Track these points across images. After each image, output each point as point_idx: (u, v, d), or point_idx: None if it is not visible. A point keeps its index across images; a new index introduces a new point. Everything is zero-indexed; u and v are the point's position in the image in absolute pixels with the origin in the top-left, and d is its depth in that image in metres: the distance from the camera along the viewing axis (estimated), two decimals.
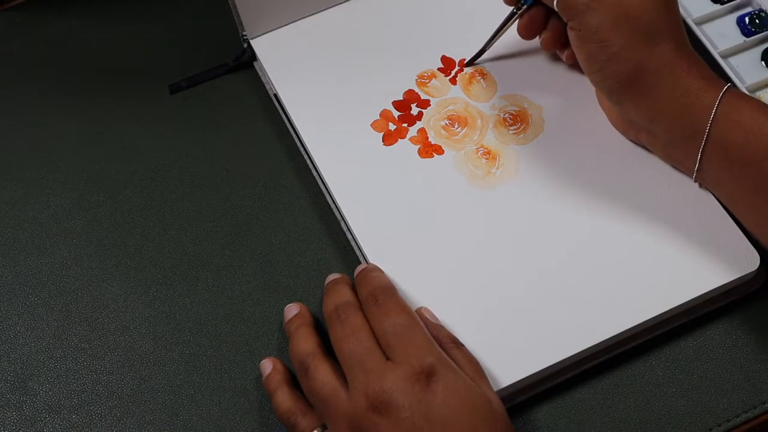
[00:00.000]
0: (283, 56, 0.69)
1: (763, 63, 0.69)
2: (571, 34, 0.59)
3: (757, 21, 0.71)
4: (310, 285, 0.62)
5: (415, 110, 0.66)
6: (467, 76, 0.68)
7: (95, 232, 0.65)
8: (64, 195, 0.66)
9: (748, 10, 0.72)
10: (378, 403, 0.51)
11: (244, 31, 0.69)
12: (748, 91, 0.68)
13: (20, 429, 0.58)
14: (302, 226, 0.64)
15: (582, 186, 0.63)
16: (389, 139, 0.65)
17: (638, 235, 0.61)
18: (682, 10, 0.71)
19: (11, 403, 0.59)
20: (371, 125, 0.66)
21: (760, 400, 0.58)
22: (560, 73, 0.67)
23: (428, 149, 0.65)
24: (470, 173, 0.64)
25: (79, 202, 0.66)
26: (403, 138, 0.65)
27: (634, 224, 0.61)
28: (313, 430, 0.55)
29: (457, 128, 0.66)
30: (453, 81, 0.67)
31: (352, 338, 0.54)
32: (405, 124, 0.66)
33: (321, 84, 0.67)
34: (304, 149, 0.66)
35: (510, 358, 0.57)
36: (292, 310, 0.60)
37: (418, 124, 0.66)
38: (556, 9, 0.59)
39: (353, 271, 0.60)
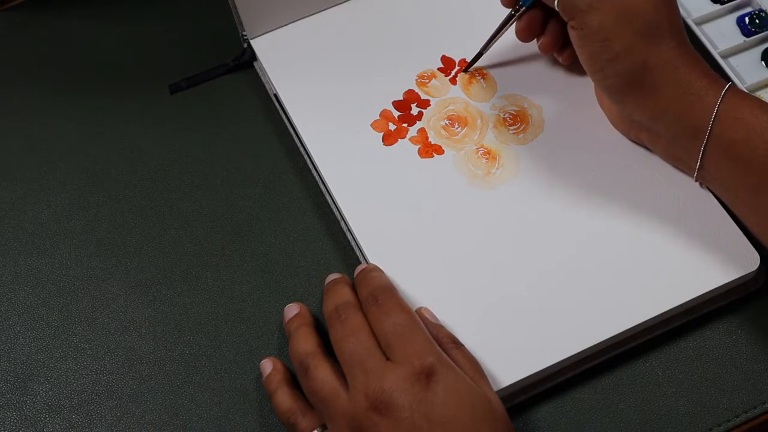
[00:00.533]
0: (283, 56, 0.69)
1: (763, 63, 0.69)
2: (572, 34, 0.59)
3: (757, 21, 0.71)
4: (310, 285, 0.62)
5: (415, 110, 0.66)
6: (467, 76, 0.68)
7: (95, 232, 0.65)
8: (64, 195, 0.66)
9: (748, 10, 0.72)
10: (378, 403, 0.51)
11: (244, 31, 0.69)
12: (748, 91, 0.68)
13: (20, 429, 0.58)
14: (302, 226, 0.64)
15: (582, 186, 0.63)
16: (389, 139, 0.65)
17: (638, 235, 0.61)
18: (682, 10, 0.71)
19: (11, 403, 0.59)
20: (371, 125, 0.66)
21: (760, 400, 0.58)
22: (560, 73, 0.67)
23: (428, 149, 0.65)
24: (470, 173, 0.64)
25: (79, 202, 0.66)
26: (403, 138, 0.65)
27: (634, 224, 0.61)
28: (313, 430, 0.55)
29: (457, 128, 0.66)
30: (453, 81, 0.67)
31: (352, 338, 0.54)
32: (405, 124, 0.66)
33: (321, 84, 0.67)
34: (304, 149, 0.66)
35: (510, 358, 0.57)
36: (292, 310, 0.60)
37: (418, 124, 0.66)
38: (556, 8, 0.59)
39: (353, 271, 0.60)
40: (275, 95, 0.68)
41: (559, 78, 0.67)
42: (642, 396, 0.59)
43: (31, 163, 0.67)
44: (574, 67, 0.67)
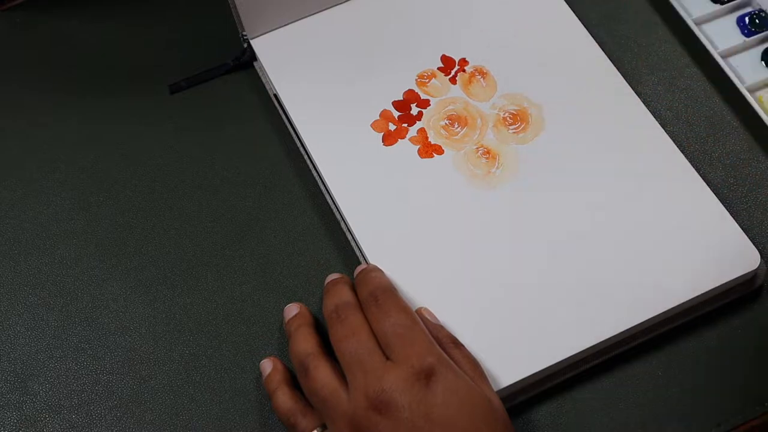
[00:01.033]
0: (283, 56, 0.69)
1: (763, 63, 0.69)
2: None
3: (757, 21, 0.71)
4: (310, 285, 0.62)
5: (415, 110, 0.66)
6: (467, 75, 0.68)
7: (95, 232, 0.65)
8: (64, 195, 0.66)
9: (748, 10, 0.72)
10: (378, 403, 0.51)
11: (244, 31, 0.69)
12: (749, 90, 0.68)
13: (20, 429, 0.58)
14: (302, 226, 0.64)
15: (582, 185, 0.63)
16: (389, 139, 0.65)
17: (638, 234, 0.61)
18: (682, 10, 0.71)
19: (11, 403, 0.59)
20: (371, 125, 0.66)
21: (760, 400, 0.58)
22: (560, 71, 0.67)
23: (428, 149, 0.65)
24: (470, 173, 0.64)
25: (79, 202, 0.66)
26: (403, 138, 0.65)
27: (634, 224, 0.61)
28: (313, 430, 0.55)
29: (457, 128, 0.66)
30: (453, 80, 0.67)
31: (352, 338, 0.54)
32: (405, 124, 0.66)
33: (321, 84, 0.67)
34: (304, 149, 0.66)
35: (510, 358, 0.57)
36: (292, 310, 0.60)
37: (418, 124, 0.66)
38: None
39: (353, 271, 0.60)
40: (275, 95, 0.68)
41: (560, 77, 0.67)
42: (642, 396, 0.59)
43: (31, 163, 0.67)
44: (573, 65, 0.67)
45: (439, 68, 0.68)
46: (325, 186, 0.65)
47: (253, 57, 0.70)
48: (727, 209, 0.62)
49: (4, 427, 0.58)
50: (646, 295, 0.59)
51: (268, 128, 0.68)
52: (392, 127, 0.66)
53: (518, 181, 0.63)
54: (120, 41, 0.72)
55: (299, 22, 0.70)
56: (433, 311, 0.59)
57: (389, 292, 0.57)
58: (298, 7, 0.69)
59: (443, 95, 0.67)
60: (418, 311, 0.58)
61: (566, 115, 0.66)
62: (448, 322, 0.58)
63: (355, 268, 0.61)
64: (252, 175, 0.66)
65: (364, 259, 0.61)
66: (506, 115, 0.66)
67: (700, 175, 0.63)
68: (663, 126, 0.65)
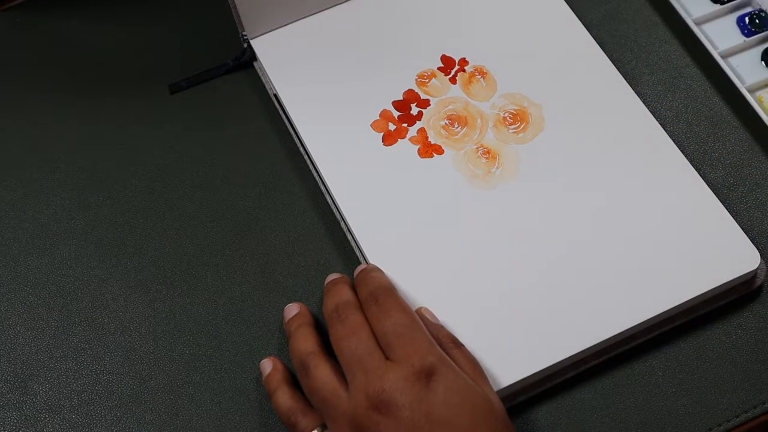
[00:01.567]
0: (283, 56, 0.69)
1: (763, 63, 0.69)
2: None
3: (757, 21, 0.71)
4: (310, 285, 0.62)
5: (414, 110, 0.66)
6: (467, 75, 0.68)
7: (95, 232, 0.65)
8: (64, 195, 0.66)
9: (748, 10, 0.72)
10: (378, 403, 0.51)
11: (244, 31, 0.69)
12: (748, 90, 0.68)
13: (20, 429, 0.58)
14: (302, 226, 0.64)
15: (581, 185, 0.63)
16: (389, 139, 0.65)
17: (638, 234, 0.61)
18: (682, 10, 0.71)
19: (11, 403, 0.59)
20: (371, 125, 0.66)
21: (760, 400, 0.58)
22: (560, 71, 0.67)
23: (428, 149, 0.65)
24: (470, 173, 0.64)
25: (79, 202, 0.66)
26: (403, 138, 0.65)
27: (634, 224, 0.61)
28: (314, 429, 0.55)
29: (456, 128, 0.66)
30: (453, 80, 0.67)
31: (353, 338, 0.54)
32: (405, 124, 0.66)
33: (321, 84, 0.67)
34: (304, 149, 0.66)
35: (510, 358, 0.57)
36: (292, 310, 0.60)
37: (418, 124, 0.66)
38: None
39: (353, 271, 0.60)
40: (275, 95, 0.68)
41: (559, 76, 0.67)
42: (642, 396, 0.59)
43: (31, 163, 0.67)
44: (573, 64, 0.67)
45: (439, 68, 0.68)
46: (325, 186, 0.65)
47: (253, 57, 0.70)
48: (727, 209, 0.62)
49: (4, 427, 0.58)
50: (646, 295, 0.59)
51: (268, 128, 0.68)
52: (392, 127, 0.66)
53: (518, 180, 0.63)
54: (120, 41, 0.72)
55: (299, 22, 0.70)
56: (433, 311, 0.59)
57: (389, 292, 0.57)
58: (298, 7, 0.69)
59: (443, 95, 0.67)
60: (418, 311, 0.58)
61: (566, 115, 0.66)
62: (448, 322, 0.58)
63: (355, 268, 0.61)
64: (252, 175, 0.66)
65: (364, 259, 0.61)
66: (506, 114, 0.66)
67: (700, 175, 0.63)
68: (663, 126, 0.65)
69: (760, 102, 0.68)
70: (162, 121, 0.69)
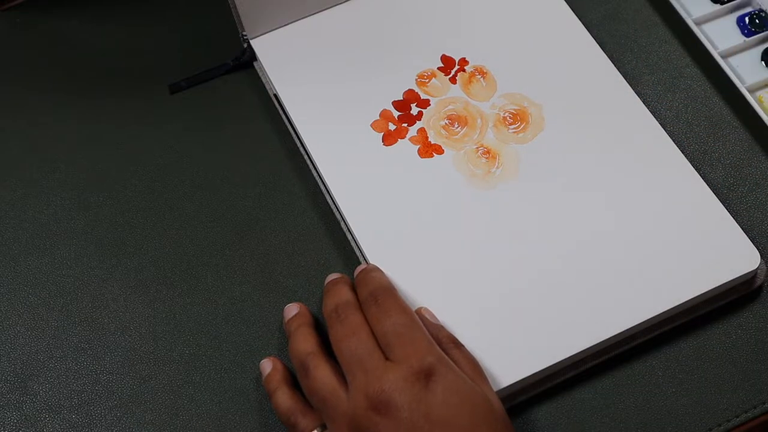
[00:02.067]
0: (283, 56, 0.69)
1: (763, 63, 0.69)
2: None
3: (757, 21, 0.71)
4: (310, 285, 0.62)
5: (414, 110, 0.66)
6: (467, 75, 0.68)
7: (95, 232, 0.65)
8: (64, 195, 0.66)
9: (748, 10, 0.72)
10: (377, 403, 0.51)
11: (244, 31, 0.69)
12: (748, 90, 0.68)
13: (20, 429, 0.58)
14: (302, 226, 0.64)
15: (581, 185, 0.63)
16: (389, 139, 0.65)
17: (638, 234, 0.61)
18: (682, 10, 0.71)
19: (11, 403, 0.59)
20: (371, 125, 0.66)
21: (760, 400, 0.58)
22: (560, 71, 0.67)
23: (428, 149, 0.65)
24: (470, 173, 0.64)
25: (79, 202, 0.66)
26: (403, 138, 0.65)
27: (634, 224, 0.61)
28: (313, 429, 0.55)
29: (456, 128, 0.66)
30: (453, 80, 0.67)
31: (352, 338, 0.54)
32: (405, 124, 0.66)
33: (321, 84, 0.67)
34: (304, 149, 0.66)
35: (510, 358, 0.57)
36: (291, 310, 0.60)
37: (418, 124, 0.66)
38: None
39: (353, 271, 0.60)
40: (275, 95, 0.68)
41: (560, 76, 0.67)
42: (642, 396, 0.59)
43: (31, 163, 0.67)
44: (573, 64, 0.67)
45: (439, 68, 0.68)
46: (325, 186, 0.65)
47: (253, 57, 0.70)
48: (727, 209, 0.62)
49: (4, 427, 0.58)
50: (646, 295, 0.59)
51: (268, 128, 0.68)
52: (392, 127, 0.66)
53: (518, 180, 0.63)
54: (120, 41, 0.72)
55: (299, 22, 0.70)
56: (433, 311, 0.59)
57: (389, 292, 0.57)
58: (298, 7, 0.69)
59: (443, 95, 0.67)
60: (418, 311, 0.58)
61: (566, 114, 0.66)
62: (448, 322, 0.58)
63: (355, 268, 0.61)
64: (252, 175, 0.66)
65: (364, 259, 0.61)
66: (506, 114, 0.66)
67: (700, 175, 0.63)
68: (663, 126, 0.65)
69: (760, 102, 0.68)
70: (162, 121, 0.69)
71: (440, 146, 0.65)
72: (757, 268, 0.60)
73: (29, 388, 0.60)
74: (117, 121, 0.69)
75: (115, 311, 0.62)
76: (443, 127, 0.66)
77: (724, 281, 0.59)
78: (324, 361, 0.55)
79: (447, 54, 0.68)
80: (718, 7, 0.71)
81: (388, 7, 0.70)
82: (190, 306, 0.62)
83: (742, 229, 0.61)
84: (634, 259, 0.60)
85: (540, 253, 0.61)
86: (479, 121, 0.66)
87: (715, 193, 0.62)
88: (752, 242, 0.61)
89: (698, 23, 0.71)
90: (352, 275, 0.60)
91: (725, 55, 0.70)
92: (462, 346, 0.57)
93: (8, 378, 0.60)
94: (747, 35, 0.70)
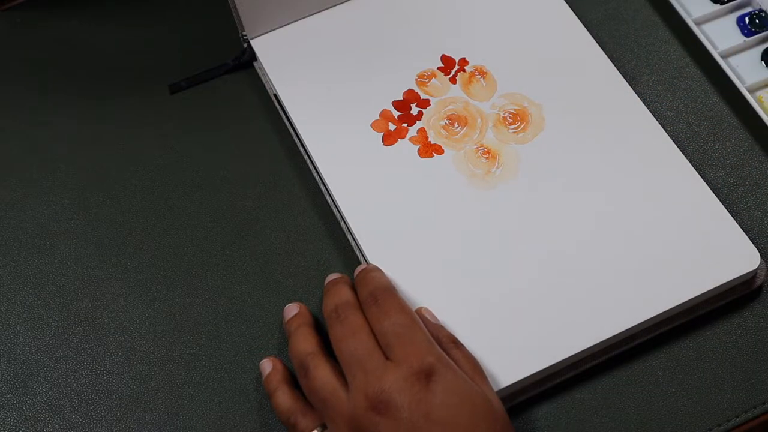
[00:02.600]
0: (283, 56, 0.69)
1: (763, 63, 0.69)
2: None
3: (757, 21, 0.71)
4: (310, 285, 0.62)
5: (414, 110, 0.66)
6: (467, 75, 0.68)
7: (95, 232, 0.65)
8: (64, 195, 0.66)
9: (748, 10, 0.72)
10: (377, 403, 0.51)
11: (244, 31, 0.69)
12: (749, 90, 0.68)
13: (20, 429, 0.58)
14: (302, 226, 0.64)
15: (581, 185, 0.63)
16: (389, 139, 0.65)
17: (638, 234, 0.61)
18: (682, 10, 0.71)
19: (11, 403, 0.59)
20: (371, 125, 0.66)
21: (760, 400, 0.58)
22: (560, 71, 0.67)
23: (428, 149, 0.65)
24: (470, 173, 0.64)
25: (79, 202, 0.66)
26: (403, 138, 0.65)
27: (634, 223, 0.61)
28: (313, 429, 0.55)
29: (456, 128, 0.66)
30: (453, 80, 0.67)
31: (352, 338, 0.54)
32: (405, 124, 0.66)
33: (321, 84, 0.67)
34: (304, 149, 0.66)
35: (510, 358, 0.57)
36: (291, 310, 0.60)
37: (418, 124, 0.66)
38: None
39: (353, 271, 0.60)
40: (275, 95, 0.68)
41: (560, 76, 0.67)
42: (642, 396, 0.59)
43: (31, 163, 0.67)
44: (573, 64, 0.67)
45: (439, 68, 0.68)
46: (325, 186, 0.65)
47: (253, 57, 0.70)
48: (727, 209, 0.62)
49: (4, 427, 0.58)
50: (646, 295, 0.59)
51: (268, 128, 0.68)
52: (392, 127, 0.66)
53: (518, 180, 0.63)
54: (120, 41, 0.72)
55: (299, 22, 0.70)
56: (433, 311, 0.59)
57: (389, 292, 0.57)
58: (298, 7, 0.69)
59: (443, 95, 0.67)
60: (418, 311, 0.58)
61: (566, 114, 0.66)
62: (448, 322, 0.58)
63: (355, 268, 0.61)
64: (252, 175, 0.66)
65: (364, 259, 0.61)
66: (506, 114, 0.66)
67: (700, 175, 0.63)
68: (663, 126, 0.65)
69: (760, 102, 0.68)
70: (162, 121, 0.69)
71: (440, 146, 0.65)
72: (757, 268, 0.60)
73: (29, 388, 0.60)
74: (117, 121, 0.69)
75: (115, 311, 0.62)
76: (443, 127, 0.66)
77: (724, 281, 0.59)
78: (324, 361, 0.55)
79: (447, 54, 0.68)
80: (718, 7, 0.71)
81: (388, 7, 0.70)
82: (190, 306, 0.62)
83: (742, 229, 0.61)
84: (634, 259, 0.60)
85: (540, 253, 0.61)
86: (479, 121, 0.66)
87: (715, 193, 0.62)
88: (752, 242, 0.61)
89: (698, 23, 0.71)
90: (352, 275, 0.60)
91: (725, 55, 0.70)
92: (462, 345, 0.57)
93: (8, 378, 0.60)
94: (747, 35, 0.70)
